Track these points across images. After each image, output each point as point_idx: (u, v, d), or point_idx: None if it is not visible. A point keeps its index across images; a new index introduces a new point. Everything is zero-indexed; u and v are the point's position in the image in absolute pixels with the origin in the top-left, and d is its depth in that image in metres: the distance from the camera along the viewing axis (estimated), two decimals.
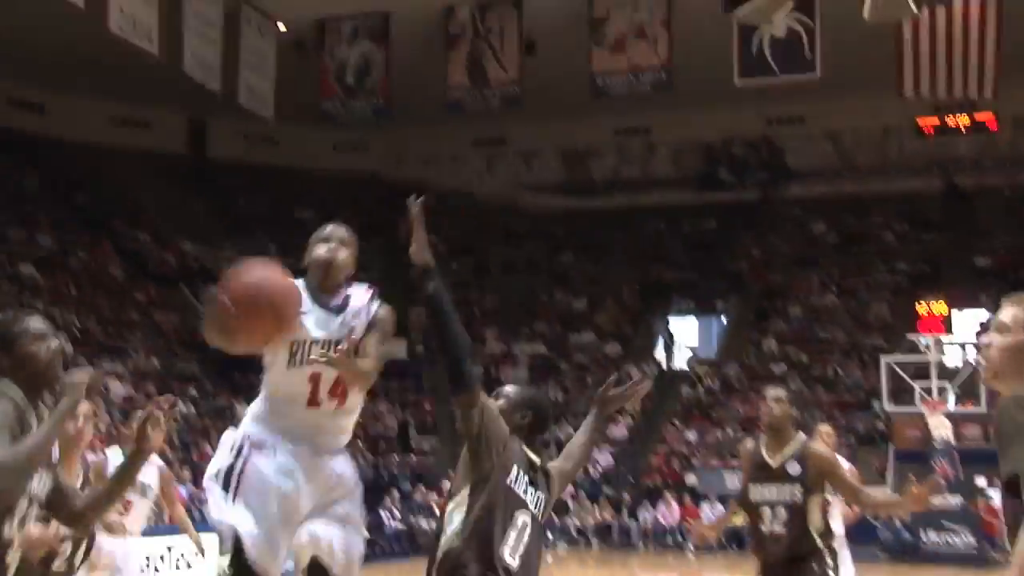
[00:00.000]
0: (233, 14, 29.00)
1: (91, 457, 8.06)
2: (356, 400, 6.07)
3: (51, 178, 36.87)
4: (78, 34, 25.87)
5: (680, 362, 37.14)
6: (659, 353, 36.88)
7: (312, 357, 5.71)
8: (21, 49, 31.52)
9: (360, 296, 6.58)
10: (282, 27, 30.95)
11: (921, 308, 30.11)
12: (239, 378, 33.66)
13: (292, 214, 40.44)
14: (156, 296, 35.70)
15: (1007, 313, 3.98)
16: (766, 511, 7.72)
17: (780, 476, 7.72)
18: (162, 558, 20.21)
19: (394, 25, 30.54)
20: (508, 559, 4.74)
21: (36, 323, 4.70)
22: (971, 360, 28.24)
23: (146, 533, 11.61)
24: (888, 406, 28.51)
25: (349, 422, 6.20)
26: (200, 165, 40.29)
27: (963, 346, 29.56)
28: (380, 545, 27.72)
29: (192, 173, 40.07)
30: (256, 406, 6.22)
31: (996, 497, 27.15)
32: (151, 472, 8.95)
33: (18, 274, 32.04)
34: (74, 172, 37.51)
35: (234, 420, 30.77)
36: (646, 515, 30.07)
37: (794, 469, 7.70)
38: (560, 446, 31.96)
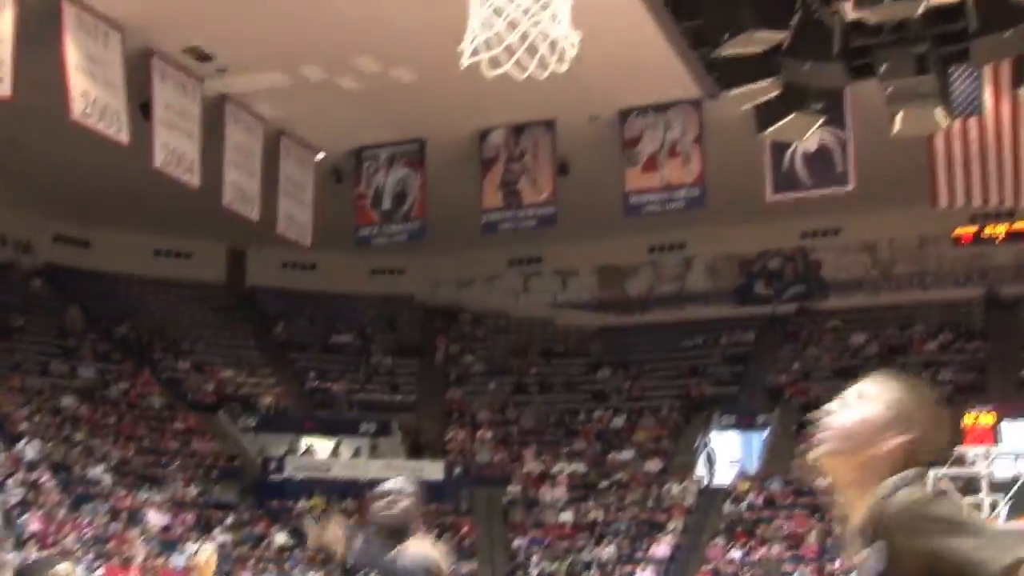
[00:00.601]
0: (272, 144, 29.42)
1: None
2: None
3: (94, 310, 37.31)
4: (122, 171, 26.21)
5: (722, 478, 36.82)
6: (701, 469, 36.57)
7: None
8: (67, 188, 32.16)
9: None
10: (320, 155, 31.34)
11: (970, 419, 29.89)
12: (276, 506, 33.69)
13: (330, 339, 40.68)
14: (195, 424, 35.76)
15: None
16: None
17: None
18: None
19: (430, 151, 30.79)
20: None
21: (63, 569, 4.73)
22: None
23: None
24: None
25: None
26: (239, 293, 40.56)
27: (1015, 457, 29.24)
28: None
29: (231, 301, 40.34)
30: None
31: None
32: None
33: (59, 406, 32.27)
34: (116, 304, 37.97)
35: (269, 548, 30.91)
36: None
37: None
38: (602, 567, 31.77)
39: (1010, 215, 34.62)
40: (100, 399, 34.01)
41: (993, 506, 27.12)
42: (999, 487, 27.61)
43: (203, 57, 26.91)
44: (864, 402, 3.20)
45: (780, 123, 13.30)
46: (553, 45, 7.49)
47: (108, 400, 34.27)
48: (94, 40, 24.04)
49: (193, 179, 26.35)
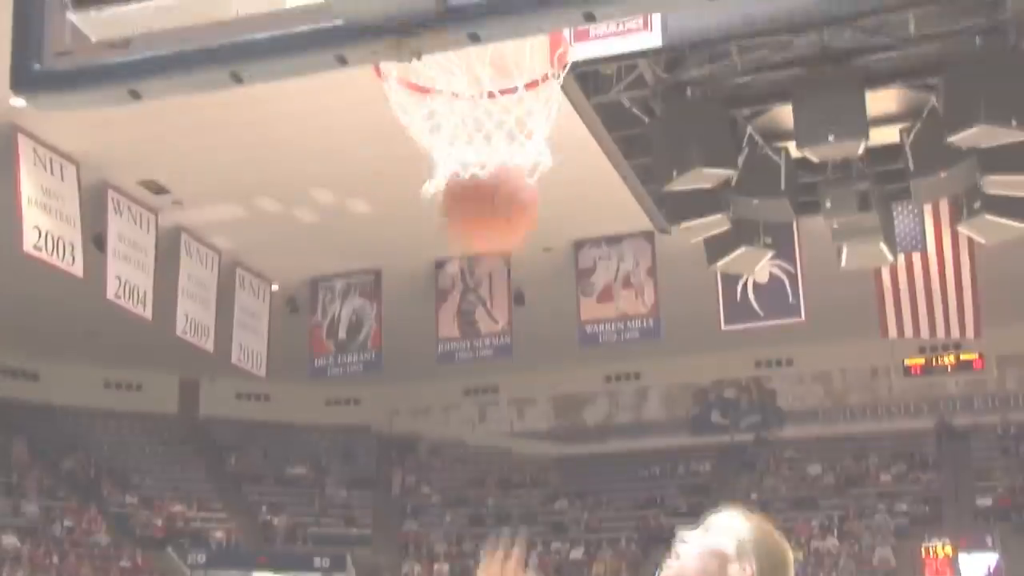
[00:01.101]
0: (227, 276, 29.54)
1: None
2: None
3: (40, 444, 37.06)
4: (73, 302, 26.25)
5: None
6: None
7: None
8: (17, 319, 32.01)
9: None
10: (275, 287, 31.49)
11: (927, 550, 29.94)
12: None
13: (284, 470, 40.52)
14: (142, 562, 35.39)
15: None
16: None
17: None
18: None
19: (385, 281, 31.03)
20: None
21: None
22: None
23: None
24: None
25: None
26: (191, 424, 40.45)
27: None
28: None
29: (183, 433, 40.21)
30: None
31: None
32: None
33: (0, 547, 31.93)
34: (64, 437, 37.72)
35: None
36: None
37: None
38: None
39: (957, 346, 35.09)
40: (43, 537, 33.71)
41: None
42: None
43: (159, 190, 27.13)
44: (710, 534, 3.26)
45: (730, 256, 13.53)
46: None
47: (52, 538, 33.97)
48: (49, 173, 24.19)
49: (146, 311, 26.37)
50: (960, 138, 11.29)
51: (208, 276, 28.95)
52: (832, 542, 36.30)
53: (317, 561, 37.71)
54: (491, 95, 6.67)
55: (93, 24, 2.84)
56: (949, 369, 37.70)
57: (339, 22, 2.72)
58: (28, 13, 2.86)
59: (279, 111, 22.36)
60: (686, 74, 12.77)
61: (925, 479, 38.54)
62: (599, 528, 38.94)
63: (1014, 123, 11.00)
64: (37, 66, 2.84)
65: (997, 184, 12.02)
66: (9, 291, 27.69)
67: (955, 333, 26.59)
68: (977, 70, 11.42)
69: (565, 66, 7.42)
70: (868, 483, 38.84)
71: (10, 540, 32.25)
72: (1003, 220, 12.56)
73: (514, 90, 6.66)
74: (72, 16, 2.83)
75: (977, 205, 12.48)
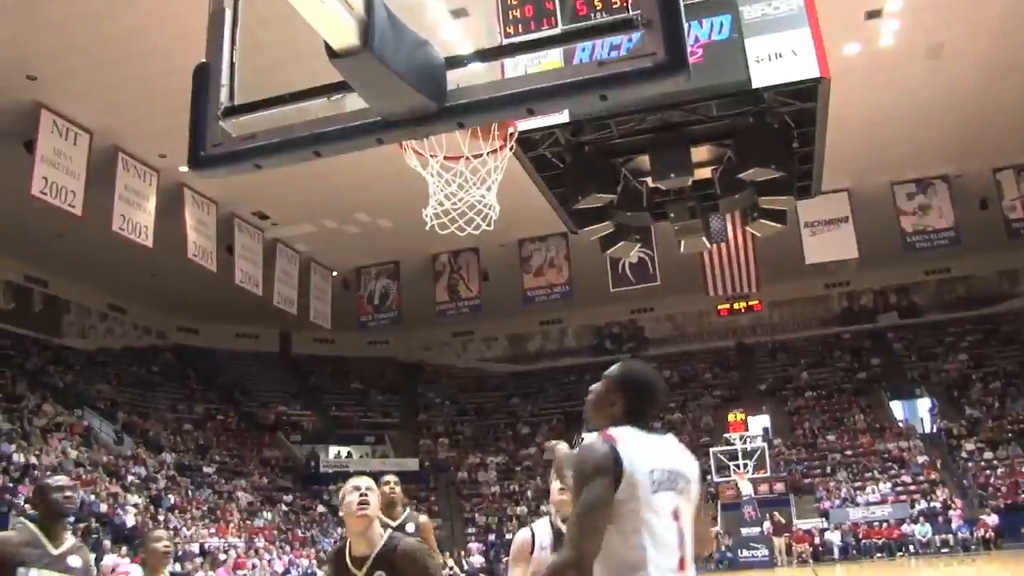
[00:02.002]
0: (305, 268, 29.79)
1: None
2: None
3: (201, 370, 37.15)
4: (215, 283, 26.37)
5: None
6: None
7: None
8: (184, 295, 32.21)
9: None
10: (334, 273, 31.68)
11: (731, 417, 30.57)
12: (316, 489, 33.60)
13: (347, 384, 40.69)
14: (266, 440, 35.67)
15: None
16: None
17: None
18: None
19: (402, 268, 31.15)
20: None
21: (60, 479, 4.51)
22: (760, 446, 28.93)
23: None
24: (715, 478, 28.54)
25: None
26: (288, 358, 40.31)
27: (753, 439, 29.90)
28: None
29: (283, 363, 40.09)
30: None
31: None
32: None
33: (182, 428, 32.14)
34: (214, 367, 37.77)
35: (312, 515, 30.91)
36: None
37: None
38: (519, 519, 31.83)
39: (746, 297, 35.61)
40: (207, 425, 33.82)
41: (744, 465, 27.96)
42: (748, 455, 28.48)
43: (263, 216, 27.37)
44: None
45: (615, 247, 13.45)
46: (480, 212, 7.96)
47: (212, 425, 34.10)
48: (200, 209, 24.45)
49: (258, 290, 26.64)
50: (745, 175, 11.51)
51: (293, 269, 29.08)
52: (678, 415, 36.92)
53: (367, 439, 38.16)
54: (467, 159, 7.16)
55: (233, 126, 3.07)
56: (743, 311, 37.82)
57: (377, 118, 2.69)
58: (198, 121, 2.78)
59: (332, 166, 22.50)
60: (584, 137, 12.41)
61: (729, 376, 39.20)
62: (539, 415, 39.04)
63: (772, 167, 11.38)
64: (202, 152, 2.82)
65: (766, 202, 12.27)
66: (180, 274, 27.63)
67: (744, 289, 27.17)
68: (751, 135, 11.48)
69: (514, 137, 7.84)
70: (697, 380, 39.23)
71: (188, 427, 32.53)
72: (770, 223, 12.85)
73: (482, 155, 7.15)
74: (221, 123, 3.11)
75: (756, 215, 12.72)
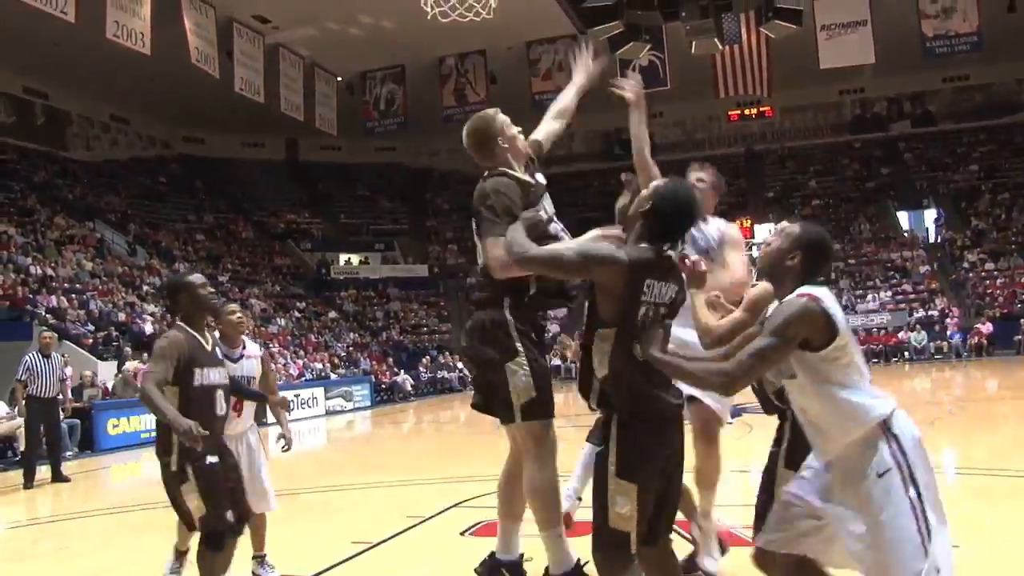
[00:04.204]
0: (309, 73, 29.19)
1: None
2: None
3: (209, 180, 37.07)
4: (218, 91, 26.01)
5: None
6: None
7: None
8: (188, 104, 31.85)
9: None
10: (339, 78, 31.09)
11: (737, 224, 30.77)
12: (327, 295, 34.33)
13: (355, 192, 40.79)
14: (275, 248, 36.08)
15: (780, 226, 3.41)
16: None
17: None
18: None
19: (408, 72, 30.52)
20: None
21: (198, 276, 4.53)
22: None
23: None
24: None
25: None
26: (295, 165, 40.11)
27: (759, 246, 30.27)
28: (420, 389, 28.52)
29: (291, 171, 39.97)
30: None
31: None
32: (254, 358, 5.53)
33: (194, 239, 32.47)
34: (222, 176, 37.63)
35: (324, 321, 31.74)
36: None
37: None
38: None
39: (758, 102, 35.08)
40: (217, 235, 34.06)
41: (750, 271, 28.35)
42: (752, 262, 28.75)
43: (263, 20, 26.63)
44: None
45: (624, 48, 13.42)
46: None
47: (222, 235, 34.32)
48: (199, 12, 23.71)
49: (260, 98, 26.37)
50: None
51: (297, 75, 28.70)
52: None
53: (377, 245, 38.58)
54: None
55: None
56: (753, 116, 37.50)
57: None
58: None
59: None
60: None
61: (737, 183, 38.90)
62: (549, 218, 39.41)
63: None
64: None
65: (783, 1, 11.99)
66: (182, 82, 27.16)
67: (757, 91, 26.66)
68: None
69: None
70: None
71: (200, 237, 32.79)
72: (785, 23, 12.53)
73: None
74: None
75: (770, 14, 12.41)
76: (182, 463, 4.12)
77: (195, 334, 4.35)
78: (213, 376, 4.33)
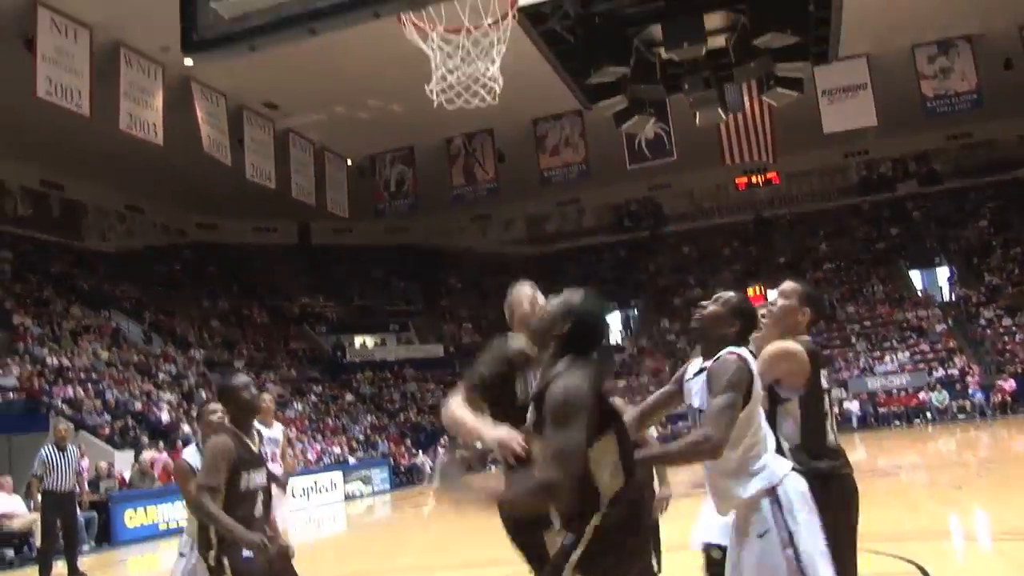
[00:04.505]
0: (319, 157, 29.54)
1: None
2: None
3: (223, 266, 37.28)
4: (230, 178, 26.30)
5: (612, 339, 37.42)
6: None
7: None
8: (201, 191, 32.24)
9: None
10: (349, 161, 31.42)
11: (751, 291, 30.59)
12: (344, 378, 34.15)
13: (368, 274, 40.88)
14: (292, 332, 36.05)
15: (782, 287, 3.83)
16: None
17: None
18: None
19: (417, 153, 30.79)
20: None
21: (241, 378, 4.54)
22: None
23: None
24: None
25: None
26: (307, 249, 40.32)
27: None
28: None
29: (303, 255, 40.19)
30: None
31: None
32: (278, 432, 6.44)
33: (209, 325, 32.52)
34: (235, 262, 37.89)
35: (341, 404, 31.53)
36: None
37: None
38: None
39: (764, 170, 35.31)
40: (233, 320, 34.13)
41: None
42: None
43: (273, 106, 27.00)
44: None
45: (629, 122, 13.27)
46: (485, 86, 7.74)
47: (237, 320, 34.39)
48: (210, 102, 24.12)
49: (271, 183, 26.52)
50: (760, 42, 11.19)
51: (307, 159, 28.90)
52: (697, 291, 36.94)
53: (392, 326, 38.57)
54: (468, 30, 6.89)
55: (225, 7, 2.86)
56: (760, 184, 37.70)
57: None
58: (188, 4, 2.85)
59: (343, 50, 22.13)
60: (594, 8, 12.05)
61: (747, 250, 39.11)
62: (559, 293, 39.28)
63: (788, 32, 11.06)
64: (195, 36, 2.87)
65: (783, 69, 12.00)
66: (195, 170, 27.60)
67: (763, 157, 26.69)
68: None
69: (515, 7, 7.53)
70: (716, 255, 39.17)
71: (215, 323, 32.81)
72: (786, 91, 12.56)
73: (483, 25, 6.88)
74: (214, 4, 2.88)
75: (772, 83, 12.43)
76: (220, 557, 4.14)
77: (243, 436, 4.37)
78: (257, 479, 4.35)
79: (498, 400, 3.61)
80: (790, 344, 3.61)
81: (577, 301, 3.09)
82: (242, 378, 4.52)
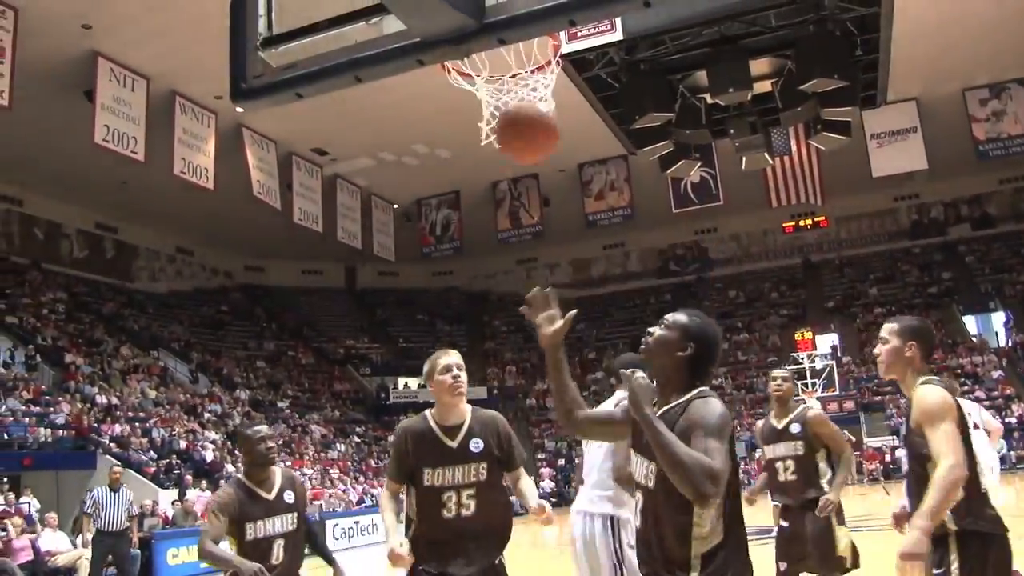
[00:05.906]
0: (366, 202, 29.96)
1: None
2: None
3: (269, 308, 37.77)
4: (278, 221, 26.78)
5: None
6: None
7: None
8: (249, 234, 32.89)
9: None
10: (395, 206, 31.82)
11: (798, 336, 30.26)
12: (387, 420, 34.16)
13: (413, 316, 41.06)
14: (336, 373, 36.31)
15: (885, 329, 3.56)
16: (779, 465, 5.87)
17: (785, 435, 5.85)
18: None
19: (463, 197, 31.15)
20: None
21: (258, 428, 4.49)
22: (828, 364, 28.72)
23: None
24: None
25: None
26: (354, 292, 40.66)
27: (823, 357, 29.74)
28: None
29: (349, 298, 40.52)
30: None
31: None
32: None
33: (254, 366, 32.87)
34: (282, 304, 38.32)
35: (384, 449, 31.55)
36: None
37: (796, 429, 5.84)
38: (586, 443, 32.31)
39: (812, 213, 35.07)
40: (278, 361, 34.49)
41: (813, 384, 27.70)
42: (816, 373, 28.19)
43: (322, 152, 27.48)
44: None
45: (674, 167, 13.25)
46: None
47: (283, 360, 34.72)
48: (260, 148, 24.63)
49: (318, 227, 26.85)
50: (807, 86, 11.23)
51: (354, 204, 29.35)
52: (744, 335, 36.75)
53: None
54: (512, 77, 7.00)
55: (274, 56, 2.97)
56: (808, 227, 37.54)
57: (416, 39, 2.63)
58: (237, 53, 2.91)
59: (387, 98, 22.55)
60: (639, 55, 12.18)
61: (795, 294, 38.74)
62: (605, 340, 38.88)
63: (835, 77, 11.03)
64: (244, 84, 2.79)
65: (830, 114, 11.95)
66: (243, 214, 28.14)
67: (810, 200, 26.55)
68: (812, 44, 11.09)
69: (559, 54, 7.64)
70: (763, 299, 38.86)
71: (261, 364, 33.17)
72: (834, 135, 12.51)
73: (523, 73, 6.98)
74: (262, 53, 2.99)
75: (819, 127, 12.39)
76: None
77: (252, 486, 4.37)
78: (270, 527, 4.32)
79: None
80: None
81: (696, 322, 2.89)
82: (258, 429, 4.47)
